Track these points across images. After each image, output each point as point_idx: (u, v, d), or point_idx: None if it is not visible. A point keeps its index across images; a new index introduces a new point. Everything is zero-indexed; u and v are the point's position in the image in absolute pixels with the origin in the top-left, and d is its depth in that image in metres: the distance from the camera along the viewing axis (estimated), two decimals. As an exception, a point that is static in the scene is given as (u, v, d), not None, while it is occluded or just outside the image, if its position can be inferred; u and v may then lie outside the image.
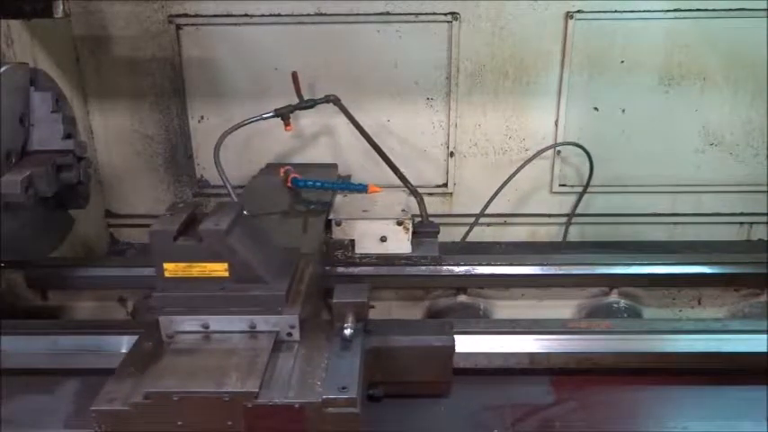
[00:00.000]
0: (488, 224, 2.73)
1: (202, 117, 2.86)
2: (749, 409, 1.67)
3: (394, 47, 2.72)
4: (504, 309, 2.36)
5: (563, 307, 2.38)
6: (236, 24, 2.69)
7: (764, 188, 2.88)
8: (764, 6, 2.60)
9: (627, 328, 1.88)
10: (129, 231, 3.05)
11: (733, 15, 2.63)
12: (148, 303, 2.38)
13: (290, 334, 1.56)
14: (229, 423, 1.38)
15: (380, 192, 2.38)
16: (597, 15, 2.65)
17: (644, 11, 2.64)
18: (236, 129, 2.30)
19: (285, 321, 1.56)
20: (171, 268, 1.56)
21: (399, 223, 2.20)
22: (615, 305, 2.35)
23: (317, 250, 2.05)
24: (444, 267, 2.26)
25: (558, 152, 2.85)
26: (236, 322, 1.56)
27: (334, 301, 1.61)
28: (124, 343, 1.88)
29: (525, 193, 2.81)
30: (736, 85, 2.75)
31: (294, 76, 2.51)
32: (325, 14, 2.68)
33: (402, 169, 2.41)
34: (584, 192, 2.83)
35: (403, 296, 2.35)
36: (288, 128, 2.43)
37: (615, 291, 2.36)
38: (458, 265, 2.27)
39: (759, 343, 1.79)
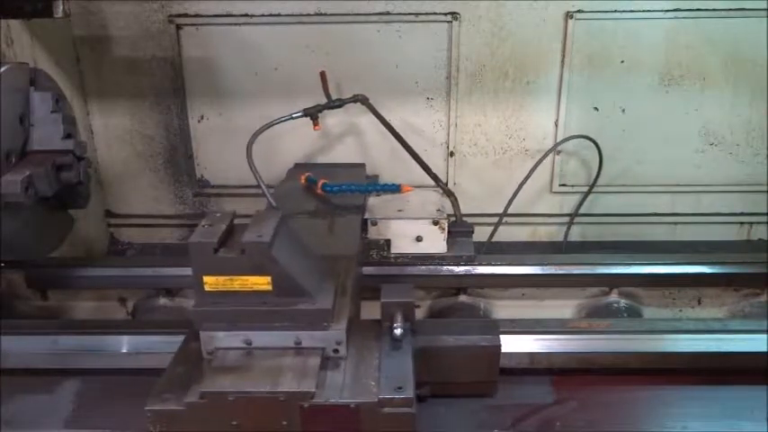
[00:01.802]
0: (489, 224, 2.72)
1: (202, 117, 2.86)
2: (749, 409, 1.68)
3: (394, 47, 2.72)
4: (504, 309, 2.36)
5: (563, 307, 2.38)
6: (236, 24, 2.69)
7: (764, 188, 2.88)
8: (764, 6, 2.60)
9: (627, 328, 1.89)
10: (129, 231, 3.05)
11: (733, 15, 2.63)
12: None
13: (336, 350, 1.52)
14: (284, 423, 1.39)
15: (412, 191, 2.39)
16: (597, 15, 2.65)
17: (644, 11, 2.63)
18: (267, 128, 2.29)
19: (332, 337, 1.51)
20: (211, 282, 1.49)
21: (435, 223, 2.20)
22: (615, 305, 2.35)
23: (357, 253, 2.00)
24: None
25: (559, 152, 2.85)
26: (281, 338, 1.51)
27: (382, 300, 1.61)
28: (124, 343, 1.89)
29: (525, 194, 2.80)
30: (736, 85, 2.75)
31: (322, 75, 2.51)
32: (325, 14, 2.68)
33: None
34: (591, 190, 2.82)
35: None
36: (316, 127, 2.42)
37: (615, 291, 2.36)
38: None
39: (759, 343, 1.79)
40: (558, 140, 2.82)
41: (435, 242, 2.22)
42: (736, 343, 1.82)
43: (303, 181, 2.45)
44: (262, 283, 1.49)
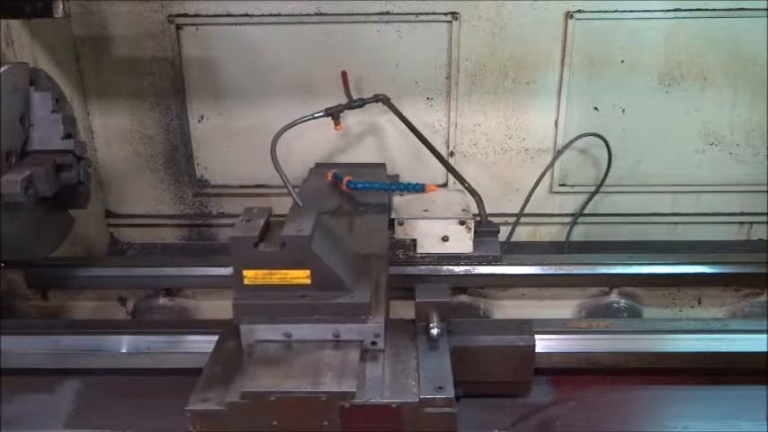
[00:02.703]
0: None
1: (202, 117, 2.86)
2: (749, 409, 1.68)
3: (394, 47, 2.72)
4: (504, 309, 2.36)
5: (563, 307, 2.38)
6: (236, 24, 2.69)
7: (764, 188, 2.88)
8: (764, 6, 2.60)
9: (627, 328, 1.88)
10: (129, 231, 3.05)
11: (733, 15, 2.63)
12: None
13: (374, 343, 1.54)
14: (325, 423, 1.39)
15: (436, 191, 2.39)
16: (597, 15, 2.65)
17: (644, 11, 2.63)
18: (290, 128, 2.29)
19: (371, 330, 1.54)
20: (251, 275, 1.53)
21: (462, 223, 2.20)
22: (615, 305, 2.35)
23: (387, 252, 2.02)
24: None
25: (559, 152, 2.85)
26: (320, 330, 1.53)
27: (417, 300, 1.61)
28: (124, 343, 1.89)
29: (525, 194, 2.79)
30: (736, 85, 2.75)
31: (344, 75, 2.50)
32: (325, 14, 2.68)
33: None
34: (599, 189, 2.82)
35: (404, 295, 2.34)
36: (338, 127, 2.42)
37: (615, 291, 2.36)
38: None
39: (759, 343, 1.79)
40: (557, 140, 2.82)
41: (462, 242, 2.22)
42: (736, 343, 1.81)
43: (329, 178, 2.45)
44: (301, 276, 1.52)
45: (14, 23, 2.32)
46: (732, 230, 2.98)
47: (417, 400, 1.38)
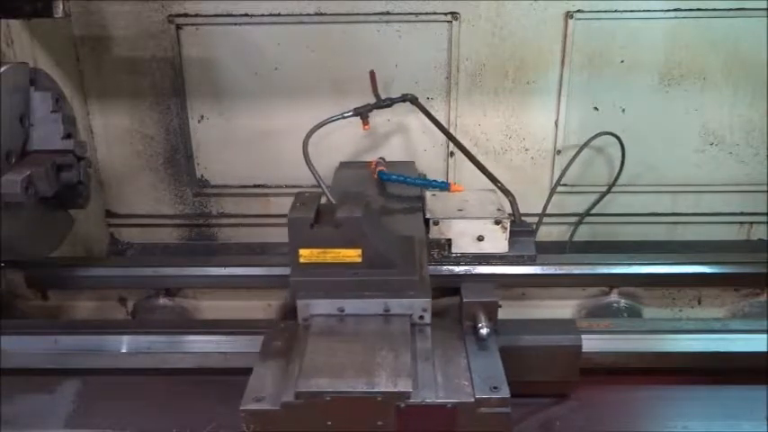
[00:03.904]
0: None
1: (202, 117, 2.86)
2: (749, 409, 1.67)
3: (394, 47, 2.72)
4: (504, 309, 2.35)
5: (563, 307, 2.38)
6: (236, 24, 2.69)
7: (764, 188, 2.88)
8: (764, 6, 2.60)
9: (627, 328, 1.88)
10: (129, 231, 3.05)
11: (733, 15, 2.63)
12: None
13: (422, 317, 1.64)
14: (380, 423, 1.39)
15: (463, 190, 2.40)
16: (597, 15, 2.65)
17: (644, 11, 2.63)
18: (320, 127, 2.29)
19: (418, 305, 1.64)
20: (306, 254, 1.64)
21: (497, 222, 2.19)
22: (615, 305, 2.35)
23: (426, 236, 2.12)
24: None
25: (559, 152, 2.85)
26: (371, 305, 1.63)
27: (464, 300, 1.64)
28: (124, 343, 1.89)
29: (525, 194, 2.79)
30: (736, 85, 2.74)
31: (372, 74, 2.52)
32: (325, 14, 2.67)
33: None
34: (610, 189, 2.82)
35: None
36: (366, 127, 2.44)
37: (615, 291, 2.36)
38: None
39: (759, 343, 1.79)
40: (557, 141, 2.83)
41: (497, 242, 2.21)
42: (736, 343, 1.81)
43: (373, 166, 2.51)
44: (353, 255, 1.64)
45: (14, 23, 2.32)
46: (732, 230, 2.98)
47: (473, 399, 1.39)
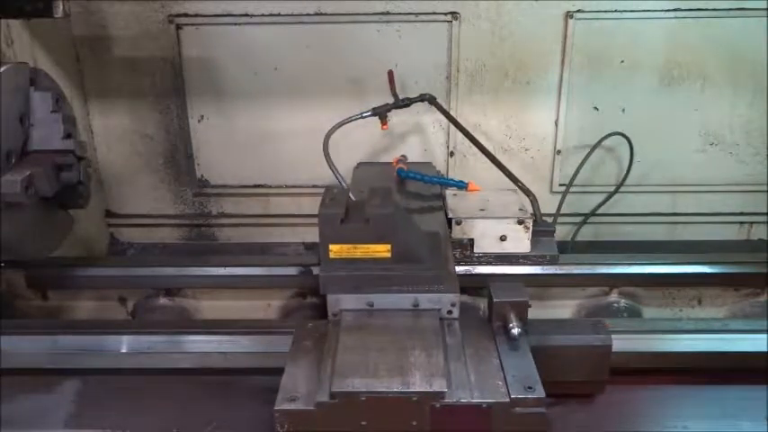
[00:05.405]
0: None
1: (202, 117, 2.86)
2: (749, 409, 1.67)
3: (394, 47, 2.72)
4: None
5: (563, 307, 2.38)
6: (236, 24, 2.69)
7: (764, 188, 2.88)
8: (764, 6, 2.60)
9: (627, 328, 1.88)
10: (129, 231, 3.05)
11: (733, 15, 2.63)
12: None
13: (450, 312, 1.65)
14: (414, 423, 1.39)
15: (480, 190, 2.40)
16: (597, 15, 2.65)
17: (644, 11, 2.63)
18: (339, 127, 2.30)
19: (447, 299, 1.65)
20: (336, 249, 1.64)
21: (520, 222, 2.20)
22: (615, 305, 2.35)
23: (449, 232, 2.15)
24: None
25: (559, 152, 2.85)
26: (401, 300, 1.65)
27: (495, 300, 1.64)
28: (124, 343, 1.89)
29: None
30: (736, 85, 2.75)
31: (390, 74, 2.53)
32: (325, 14, 2.68)
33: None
34: (618, 189, 2.82)
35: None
36: (384, 126, 2.46)
37: (615, 291, 2.36)
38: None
39: (759, 343, 1.79)
40: (557, 140, 2.83)
41: (519, 242, 2.22)
42: (736, 343, 1.81)
43: (395, 164, 2.53)
44: (382, 250, 1.64)
45: (14, 23, 2.32)
46: (732, 230, 2.98)
47: (508, 399, 1.39)
